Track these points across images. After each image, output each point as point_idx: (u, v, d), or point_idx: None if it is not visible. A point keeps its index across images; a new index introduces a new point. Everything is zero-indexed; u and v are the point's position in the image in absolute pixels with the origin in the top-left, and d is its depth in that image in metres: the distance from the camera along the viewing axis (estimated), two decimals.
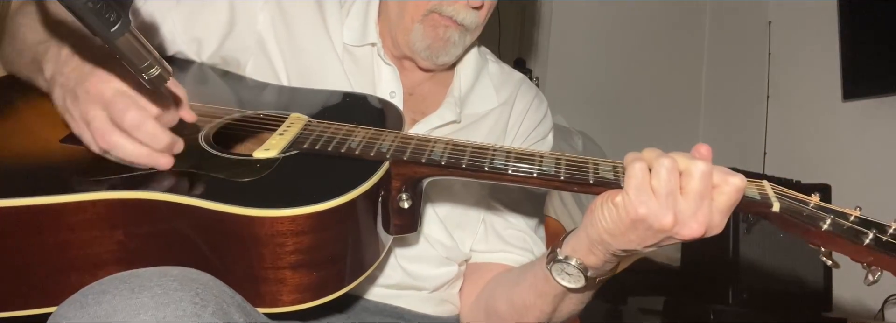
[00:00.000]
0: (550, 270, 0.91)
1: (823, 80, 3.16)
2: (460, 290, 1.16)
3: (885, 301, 2.67)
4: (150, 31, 1.02)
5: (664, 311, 2.69)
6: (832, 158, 3.10)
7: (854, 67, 3.01)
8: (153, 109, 0.80)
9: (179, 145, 0.83)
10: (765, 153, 3.33)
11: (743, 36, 3.59)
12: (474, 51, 1.22)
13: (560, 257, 0.90)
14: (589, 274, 0.89)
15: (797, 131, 3.30)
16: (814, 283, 2.56)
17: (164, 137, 0.80)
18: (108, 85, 0.78)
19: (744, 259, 2.47)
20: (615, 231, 0.81)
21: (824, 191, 2.70)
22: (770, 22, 3.48)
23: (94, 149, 0.81)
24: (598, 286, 0.94)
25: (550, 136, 1.28)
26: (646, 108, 3.50)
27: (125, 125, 0.77)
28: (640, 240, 0.81)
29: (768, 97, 3.42)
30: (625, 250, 0.84)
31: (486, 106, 1.19)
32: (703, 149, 0.82)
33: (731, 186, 0.78)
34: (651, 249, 0.83)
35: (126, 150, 0.78)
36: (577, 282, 0.90)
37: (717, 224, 0.79)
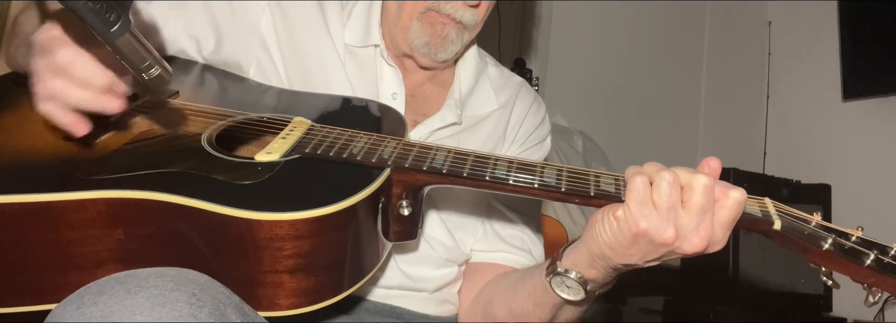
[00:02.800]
0: (550, 282, 0.91)
1: (823, 80, 3.16)
2: (459, 289, 1.16)
3: (885, 301, 2.67)
4: (150, 31, 1.02)
5: (664, 311, 2.69)
6: (832, 158, 3.10)
7: (854, 67, 3.02)
8: (93, 50, 0.74)
9: (121, 86, 0.77)
10: (765, 153, 3.33)
11: (743, 36, 3.59)
12: (474, 52, 1.23)
13: (560, 270, 0.89)
14: (589, 288, 0.89)
15: (797, 131, 3.30)
16: (814, 283, 2.56)
17: (102, 74, 0.74)
18: (49, 33, 0.75)
19: (744, 259, 2.47)
20: (616, 245, 0.81)
21: (824, 191, 2.71)
22: (770, 22, 3.48)
23: (41, 108, 0.76)
24: (596, 297, 0.94)
25: (549, 140, 1.28)
26: (646, 108, 3.50)
27: (57, 65, 0.73)
28: (641, 254, 0.80)
29: (768, 97, 3.43)
30: (626, 264, 0.83)
31: (486, 108, 1.20)
32: (713, 162, 0.81)
33: (732, 200, 0.78)
34: (653, 264, 0.83)
35: (69, 94, 0.74)
36: (576, 295, 0.90)
37: (719, 239, 0.79)
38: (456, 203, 1.13)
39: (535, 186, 0.84)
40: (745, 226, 0.82)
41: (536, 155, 1.24)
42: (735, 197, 0.78)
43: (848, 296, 2.60)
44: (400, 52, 1.14)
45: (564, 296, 0.91)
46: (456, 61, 1.20)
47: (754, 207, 0.83)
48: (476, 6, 1.09)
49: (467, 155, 0.88)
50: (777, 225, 0.81)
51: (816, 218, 0.82)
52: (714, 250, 0.80)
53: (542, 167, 0.86)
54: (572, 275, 0.88)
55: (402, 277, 1.06)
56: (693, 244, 0.77)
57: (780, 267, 2.54)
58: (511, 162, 0.86)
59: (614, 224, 0.80)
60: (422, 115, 1.14)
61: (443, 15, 1.08)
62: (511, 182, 0.84)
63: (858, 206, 2.75)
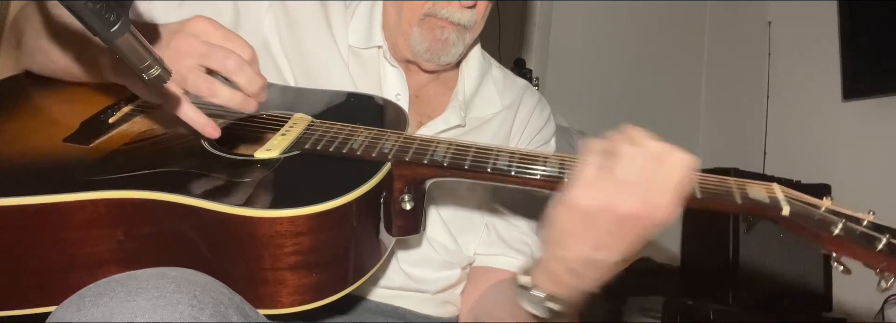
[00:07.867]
0: (517, 296, 0.88)
1: (823, 80, 3.16)
2: (462, 292, 1.16)
3: (885, 301, 2.67)
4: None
5: (664, 311, 2.69)
6: (832, 158, 3.10)
7: (854, 67, 3.01)
8: (246, 55, 0.83)
9: (265, 94, 0.86)
10: (765, 153, 3.32)
11: (743, 36, 3.59)
12: (478, 53, 1.22)
13: (520, 283, 0.86)
14: (551, 305, 0.85)
15: (797, 131, 3.30)
16: (814, 283, 2.56)
17: (259, 80, 0.84)
18: (198, 39, 0.82)
19: (744, 259, 2.47)
20: (566, 230, 0.78)
21: (824, 191, 2.70)
22: (770, 22, 3.47)
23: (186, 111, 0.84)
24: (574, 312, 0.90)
25: (553, 141, 1.28)
26: (646, 108, 3.49)
27: (227, 69, 0.81)
28: (598, 237, 0.77)
29: (768, 97, 3.42)
30: (583, 258, 0.79)
31: (490, 109, 1.20)
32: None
33: (673, 159, 0.77)
34: (611, 255, 0.78)
35: (224, 95, 0.82)
36: (541, 311, 0.86)
37: (657, 202, 0.75)
38: (459, 206, 1.13)
39: (538, 176, 0.83)
40: (754, 212, 0.80)
41: None
42: (678, 157, 0.77)
43: (847, 296, 2.61)
44: (402, 58, 1.14)
45: (531, 310, 0.88)
46: (459, 62, 1.20)
47: (762, 192, 0.81)
48: (473, 6, 1.09)
49: (468, 147, 0.88)
50: (786, 211, 0.79)
51: (826, 203, 0.81)
52: (660, 217, 0.76)
53: (545, 158, 0.85)
54: (533, 291, 0.85)
55: (404, 278, 1.06)
56: (627, 204, 0.74)
57: (780, 267, 2.54)
58: (513, 153, 0.86)
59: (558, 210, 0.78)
60: (426, 117, 1.14)
61: (441, 19, 1.08)
62: (513, 173, 0.83)
63: (859, 206, 2.75)
